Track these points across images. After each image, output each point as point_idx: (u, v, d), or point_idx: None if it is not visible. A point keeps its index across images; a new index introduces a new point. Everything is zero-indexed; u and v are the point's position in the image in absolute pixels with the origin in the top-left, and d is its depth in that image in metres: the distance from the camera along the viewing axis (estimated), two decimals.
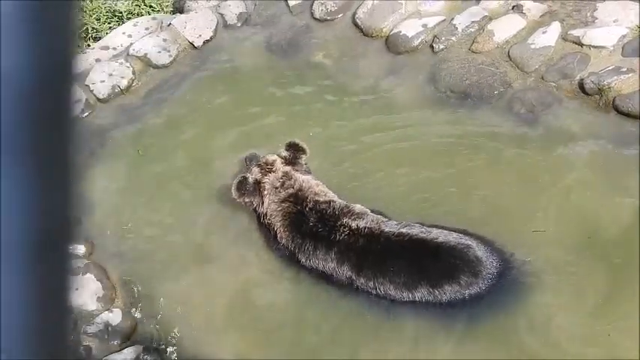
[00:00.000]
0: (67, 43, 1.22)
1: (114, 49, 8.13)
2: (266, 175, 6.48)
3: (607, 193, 6.11)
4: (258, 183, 6.46)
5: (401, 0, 7.75)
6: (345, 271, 5.95)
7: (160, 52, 7.95)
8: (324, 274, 6.06)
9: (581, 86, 6.73)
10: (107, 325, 5.89)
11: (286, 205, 6.33)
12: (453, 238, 5.78)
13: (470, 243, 5.76)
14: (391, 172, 6.62)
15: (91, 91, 7.63)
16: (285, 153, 6.61)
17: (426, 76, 7.25)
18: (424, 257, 5.76)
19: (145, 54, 7.93)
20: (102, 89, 7.65)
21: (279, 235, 6.32)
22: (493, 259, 5.76)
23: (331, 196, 6.34)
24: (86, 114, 7.51)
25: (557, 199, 6.15)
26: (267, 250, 6.33)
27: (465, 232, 5.91)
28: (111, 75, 7.74)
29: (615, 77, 6.64)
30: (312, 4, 8.02)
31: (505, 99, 6.90)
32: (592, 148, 6.45)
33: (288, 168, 6.50)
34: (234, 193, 6.42)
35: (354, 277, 5.91)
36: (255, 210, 6.53)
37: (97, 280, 6.13)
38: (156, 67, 7.88)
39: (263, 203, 6.42)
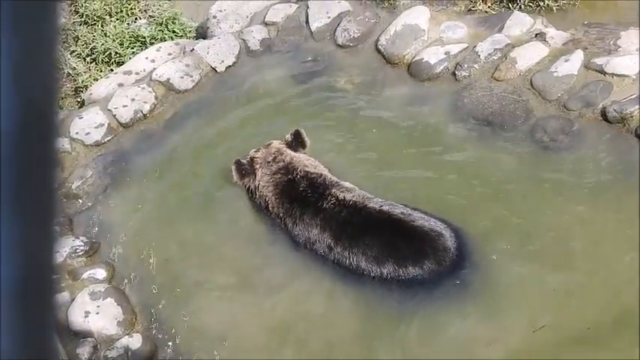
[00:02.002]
0: (49, 93, 1.21)
1: (137, 73, 8.16)
2: (259, 151, 6.85)
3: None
4: (251, 160, 6.82)
5: (424, 27, 7.76)
6: (325, 239, 6.20)
7: (182, 77, 7.97)
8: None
9: (604, 115, 6.70)
10: (127, 349, 5.87)
11: (278, 176, 6.66)
12: (429, 224, 5.99)
13: (443, 232, 5.97)
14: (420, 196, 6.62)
15: (114, 115, 7.66)
16: (288, 136, 6.98)
17: (449, 103, 7.24)
18: (397, 237, 5.99)
19: (168, 79, 7.96)
20: (124, 114, 7.68)
21: (270, 205, 6.63)
22: (463, 250, 6.01)
23: (322, 169, 6.66)
24: (108, 138, 7.54)
25: (579, 229, 6.13)
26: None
27: (444, 221, 6.09)
28: (133, 100, 7.77)
29: (638, 106, 6.61)
30: (335, 31, 8.04)
31: (527, 127, 6.88)
32: (613, 177, 6.42)
33: (281, 146, 6.87)
34: (235, 177, 6.83)
35: (332, 246, 6.16)
36: (249, 189, 6.83)
37: (118, 305, 6.13)
38: (178, 92, 7.90)
39: (256, 177, 6.75)
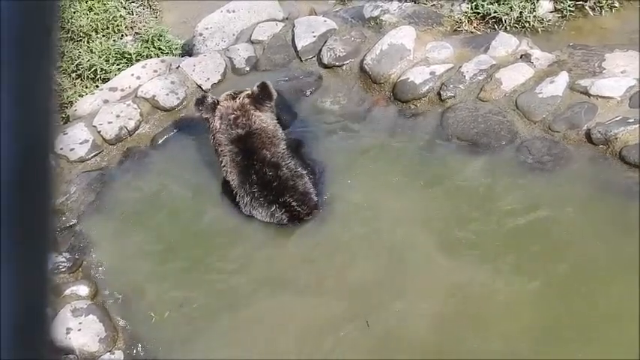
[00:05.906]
0: (47, 124, 1.21)
1: (122, 90, 8.14)
2: (226, 100, 6.89)
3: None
4: (216, 103, 6.88)
5: (409, 47, 7.78)
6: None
7: (167, 94, 7.95)
8: None
9: (588, 136, 6.71)
10: None
11: (236, 149, 6.73)
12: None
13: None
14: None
15: (99, 132, 7.64)
16: (255, 88, 6.97)
17: (434, 123, 7.24)
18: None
19: (153, 96, 7.94)
20: (109, 130, 7.65)
21: (224, 168, 6.78)
22: None
23: (281, 149, 6.77)
24: (93, 155, 7.52)
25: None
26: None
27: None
28: (118, 116, 7.75)
29: (622, 128, 6.62)
30: (321, 50, 8.04)
31: (512, 148, 6.89)
32: (599, 199, 6.43)
33: (247, 101, 6.85)
34: (193, 107, 7.00)
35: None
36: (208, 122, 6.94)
37: (100, 322, 6.10)
38: (164, 109, 7.88)
39: (214, 122, 6.82)
